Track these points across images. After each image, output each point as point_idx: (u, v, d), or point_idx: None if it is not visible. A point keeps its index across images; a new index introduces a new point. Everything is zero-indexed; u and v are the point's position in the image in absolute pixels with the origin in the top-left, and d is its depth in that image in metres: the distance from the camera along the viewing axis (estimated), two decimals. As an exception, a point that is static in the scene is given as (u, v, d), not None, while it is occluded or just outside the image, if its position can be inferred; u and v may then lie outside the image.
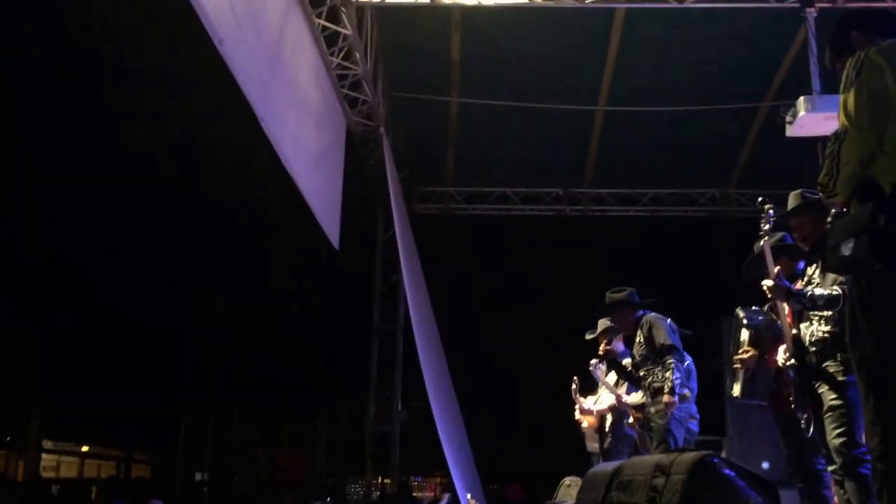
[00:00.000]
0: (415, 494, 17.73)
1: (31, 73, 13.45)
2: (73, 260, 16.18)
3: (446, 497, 8.34)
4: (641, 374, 6.80)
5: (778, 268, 4.68)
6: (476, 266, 18.33)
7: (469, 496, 7.86)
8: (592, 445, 7.90)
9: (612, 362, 7.48)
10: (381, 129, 12.45)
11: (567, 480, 7.44)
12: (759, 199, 4.98)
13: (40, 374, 19.03)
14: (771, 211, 4.86)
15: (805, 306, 4.57)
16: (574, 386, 8.04)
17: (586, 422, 7.93)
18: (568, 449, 9.75)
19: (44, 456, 24.73)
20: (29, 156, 14.62)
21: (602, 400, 7.91)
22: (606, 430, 7.74)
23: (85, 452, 29.75)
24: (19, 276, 16.26)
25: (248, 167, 13.43)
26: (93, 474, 28.31)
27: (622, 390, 7.47)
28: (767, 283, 4.67)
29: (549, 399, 18.24)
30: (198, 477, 18.22)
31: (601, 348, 7.47)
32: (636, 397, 7.19)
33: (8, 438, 24.36)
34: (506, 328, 19.75)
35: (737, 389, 5.18)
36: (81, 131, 14.03)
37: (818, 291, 4.46)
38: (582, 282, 15.31)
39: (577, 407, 8.02)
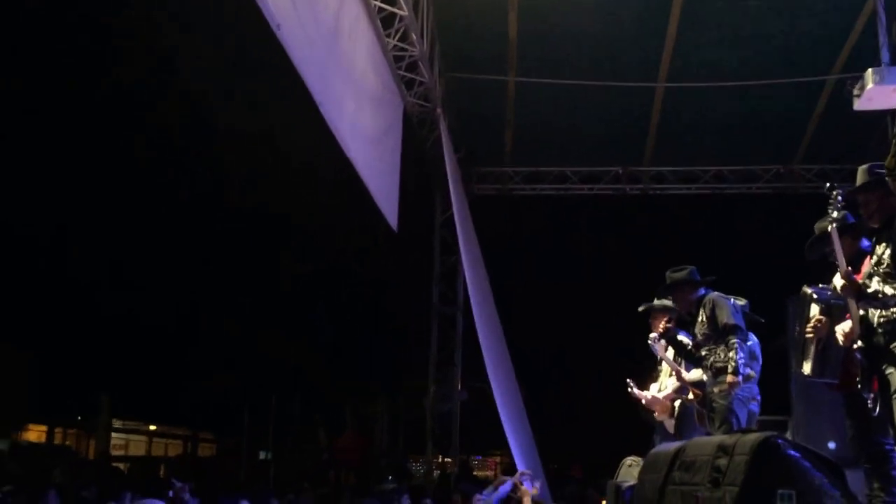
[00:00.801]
0: (475, 473, 17.82)
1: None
2: (143, 249, 16.58)
3: (509, 480, 8.34)
4: (703, 353, 6.70)
5: (848, 268, 4.62)
6: (534, 246, 18.30)
7: (528, 477, 7.86)
8: (668, 423, 7.81)
9: (671, 340, 7.38)
10: (438, 110, 12.45)
11: (629, 460, 7.38)
12: (828, 184, 4.88)
13: (110, 355, 19.57)
14: (840, 196, 4.75)
15: (874, 307, 4.48)
16: (630, 388, 7.95)
17: (656, 412, 7.83)
18: (629, 428, 9.69)
19: (113, 435, 25.48)
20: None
21: (665, 384, 7.82)
22: (676, 412, 7.64)
23: (153, 431, 30.59)
24: (91, 265, 16.73)
25: (305, 153, 13.56)
26: (160, 453, 29.09)
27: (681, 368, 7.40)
28: (838, 281, 4.62)
29: (609, 378, 18.20)
30: (262, 456, 18.58)
31: (661, 325, 7.37)
32: (696, 374, 7.12)
33: (79, 418, 25.15)
34: (565, 308, 19.69)
35: (807, 368, 5.09)
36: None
37: (888, 291, 4.37)
38: (642, 261, 15.19)
39: (642, 402, 7.92)
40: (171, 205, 16.19)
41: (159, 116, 14.73)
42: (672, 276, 6.98)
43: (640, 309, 7.69)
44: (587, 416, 21.14)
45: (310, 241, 16.07)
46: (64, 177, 15.02)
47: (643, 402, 7.88)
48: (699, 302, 6.81)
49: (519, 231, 16.98)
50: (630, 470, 7.04)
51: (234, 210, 16.01)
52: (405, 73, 11.69)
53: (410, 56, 11.22)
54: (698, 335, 6.80)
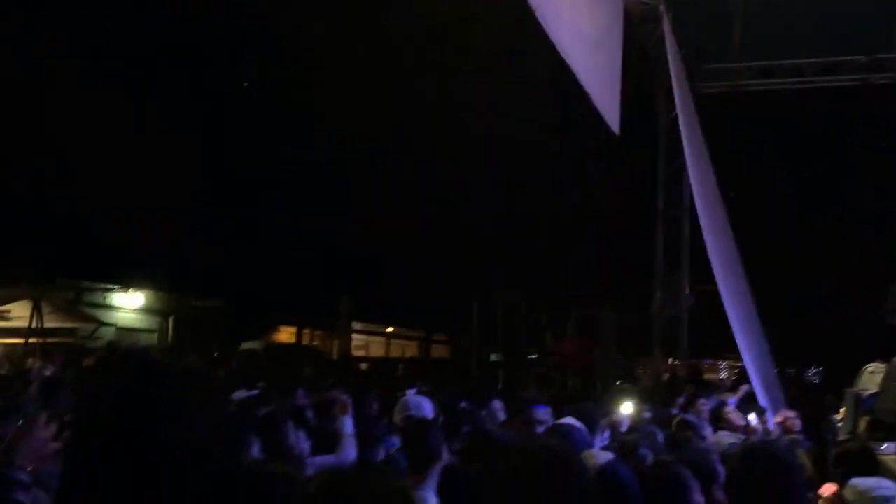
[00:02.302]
0: (705, 377, 17.53)
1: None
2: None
3: (743, 389, 8.18)
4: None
5: None
6: (767, 145, 17.36)
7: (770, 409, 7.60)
8: None
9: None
10: (661, 7, 11.99)
11: (870, 367, 7.09)
12: None
13: (350, 261, 20.86)
14: None
15: None
16: None
17: None
18: (871, 332, 9.23)
19: (354, 337, 27.31)
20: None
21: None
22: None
23: (390, 333, 32.46)
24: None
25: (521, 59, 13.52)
26: (398, 354, 30.88)
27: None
28: None
29: (850, 278, 17.21)
30: (492, 358, 19.25)
31: None
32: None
33: (324, 320, 27.11)
34: (801, 208, 18.68)
35: None
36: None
37: None
38: (889, 159, 14.08)
39: None
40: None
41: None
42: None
43: None
44: (826, 318, 20.14)
45: (532, 149, 16.11)
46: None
47: None
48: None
49: (749, 130, 16.14)
50: (872, 377, 6.77)
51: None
52: (624, -30, 11.32)
53: (630, -49, 10.83)
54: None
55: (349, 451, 5.14)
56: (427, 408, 5.76)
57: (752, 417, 7.30)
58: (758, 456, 2.83)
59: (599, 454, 3.20)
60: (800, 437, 7.49)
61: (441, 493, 3.99)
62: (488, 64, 14.80)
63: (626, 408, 7.26)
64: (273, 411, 5.74)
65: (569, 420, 4.85)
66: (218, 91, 16.97)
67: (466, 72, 15.09)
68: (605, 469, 2.93)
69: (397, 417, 5.67)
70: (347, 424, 5.27)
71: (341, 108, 16.12)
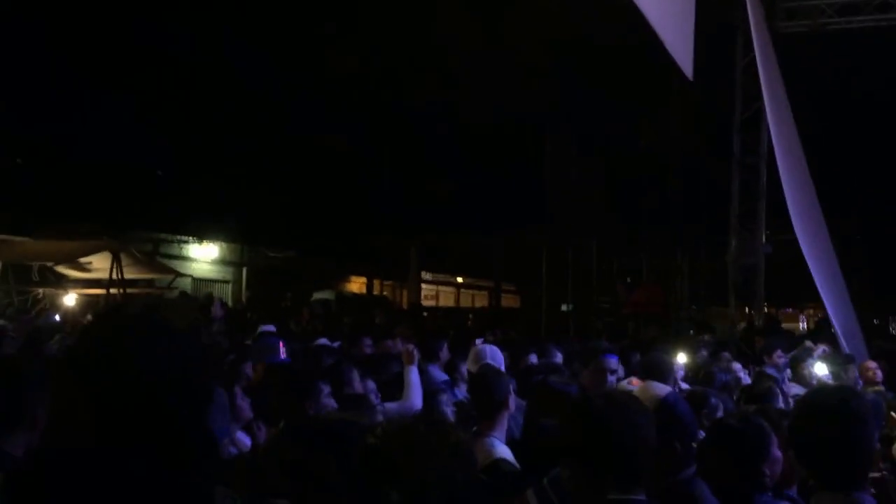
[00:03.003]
0: (783, 325, 17.13)
1: None
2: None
3: (821, 348, 7.92)
4: None
5: None
6: (851, 88, 16.65)
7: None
8: None
9: None
10: (738, -57, 11.49)
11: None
12: None
13: (418, 212, 20.90)
14: None
15: None
16: None
17: None
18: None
19: (424, 286, 27.48)
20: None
21: None
22: None
23: (461, 283, 32.57)
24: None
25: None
26: (468, 303, 31.00)
27: None
28: None
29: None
30: (563, 308, 19.13)
31: None
32: None
33: (394, 270, 27.35)
34: (885, 153, 17.97)
35: None
36: None
37: None
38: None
39: None
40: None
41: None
42: None
43: None
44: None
45: (597, 95, 15.75)
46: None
47: None
48: None
49: (832, 72, 15.47)
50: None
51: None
52: None
53: None
54: None
55: (414, 399, 5.16)
56: (499, 357, 5.79)
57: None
58: (811, 407, 2.73)
59: (657, 386, 3.19)
60: (881, 387, 7.26)
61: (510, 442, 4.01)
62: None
63: (681, 357, 7.22)
64: (338, 360, 5.81)
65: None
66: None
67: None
68: (665, 401, 2.93)
69: (472, 366, 5.69)
70: (413, 373, 5.29)
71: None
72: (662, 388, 3.13)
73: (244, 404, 4.26)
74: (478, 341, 7.57)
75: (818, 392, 3.04)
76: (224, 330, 11.21)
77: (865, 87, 16.47)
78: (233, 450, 3.95)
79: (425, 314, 18.48)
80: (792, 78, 12.77)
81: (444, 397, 5.27)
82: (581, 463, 2.38)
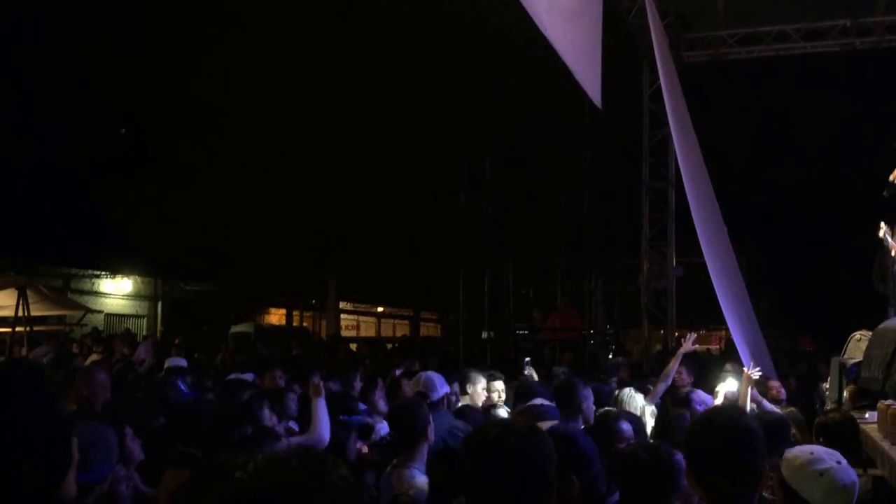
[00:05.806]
0: (696, 347, 17.45)
1: None
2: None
3: (692, 336, 8.13)
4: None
5: None
6: (752, 114, 17.24)
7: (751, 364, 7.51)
8: None
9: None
10: (642, -25, 11.82)
11: (857, 335, 7.01)
12: None
13: (335, 242, 20.76)
14: None
15: None
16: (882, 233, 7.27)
17: None
18: (860, 300, 9.19)
19: (344, 317, 27.26)
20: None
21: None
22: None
23: (381, 312, 32.40)
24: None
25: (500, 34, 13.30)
26: (389, 333, 30.83)
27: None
28: None
29: (841, 248, 17.14)
30: (483, 335, 19.16)
31: None
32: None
33: (313, 301, 27.08)
34: (787, 180, 18.63)
35: None
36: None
37: None
38: (875, 126, 13.98)
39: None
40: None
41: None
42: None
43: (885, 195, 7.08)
44: (820, 287, 20.15)
45: (515, 122, 15.93)
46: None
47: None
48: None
49: (734, 98, 16.01)
50: (859, 345, 6.71)
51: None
52: (603, -61, 11.11)
53: (608, -81, 10.64)
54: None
55: (321, 432, 5.09)
56: (439, 384, 5.82)
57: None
58: (702, 427, 2.78)
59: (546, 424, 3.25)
60: (785, 404, 7.47)
61: (430, 472, 3.99)
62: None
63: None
64: (251, 395, 5.73)
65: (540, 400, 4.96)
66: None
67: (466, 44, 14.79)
68: (552, 431, 2.98)
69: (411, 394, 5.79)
70: (321, 405, 5.22)
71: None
72: (550, 422, 3.16)
73: (134, 445, 4.15)
74: (397, 371, 7.60)
75: (709, 413, 3.09)
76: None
77: (764, 111, 17.07)
78: (124, 490, 3.84)
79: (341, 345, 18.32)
80: (696, 105, 13.17)
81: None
82: (475, 493, 2.37)
